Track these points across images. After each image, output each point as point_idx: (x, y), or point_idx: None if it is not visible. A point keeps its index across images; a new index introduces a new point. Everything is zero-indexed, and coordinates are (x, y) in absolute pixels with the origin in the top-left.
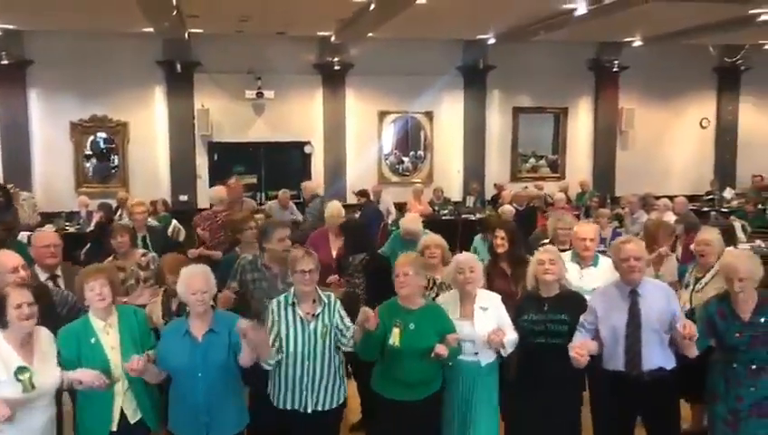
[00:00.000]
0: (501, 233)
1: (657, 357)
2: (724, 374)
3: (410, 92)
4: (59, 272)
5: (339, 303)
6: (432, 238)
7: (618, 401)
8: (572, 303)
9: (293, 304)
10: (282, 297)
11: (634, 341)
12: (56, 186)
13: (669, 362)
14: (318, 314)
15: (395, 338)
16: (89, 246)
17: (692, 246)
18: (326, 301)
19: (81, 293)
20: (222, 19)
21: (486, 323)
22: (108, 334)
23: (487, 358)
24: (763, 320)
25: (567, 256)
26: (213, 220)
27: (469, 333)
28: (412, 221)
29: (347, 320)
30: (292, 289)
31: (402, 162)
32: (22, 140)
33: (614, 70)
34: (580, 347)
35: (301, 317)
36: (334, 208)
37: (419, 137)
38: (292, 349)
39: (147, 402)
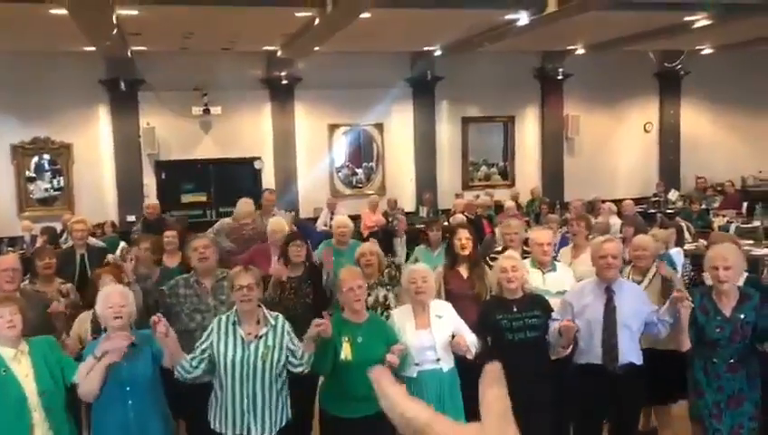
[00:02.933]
0: (465, 233)
1: (629, 353)
2: (704, 368)
3: (360, 105)
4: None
5: (287, 324)
6: (367, 246)
7: (590, 395)
8: (539, 302)
9: (234, 323)
10: (224, 316)
11: (610, 334)
12: None
13: (639, 359)
14: (261, 336)
15: (346, 352)
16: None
17: (627, 251)
18: (272, 322)
19: None
20: (165, 36)
21: (443, 331)
22: (20, 363)
23: (448, 364)
24: (743, 316)
25: (527, 262)
26: (239, 233)
27: (429, 342)
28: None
29: (296, 341)
30: (234, 308)
31: (356, 174)
32: None
33: (558, 78)
34: (568, 320)
35: (241, 337)
36: (277, 224)
37: (371, 149)
38: (230, 370)
39: (65, 431)
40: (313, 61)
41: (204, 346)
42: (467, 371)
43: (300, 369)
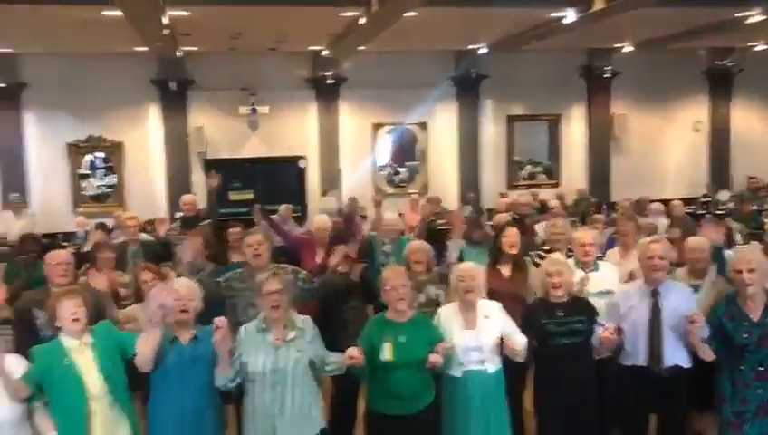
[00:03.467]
0: (513, 232)
1: (675, 355)
2: (731, 377)
3: (404, 104)
4: None
5: (316, 329)
6: (416, 244)
7: (636, 396)
8: (584, 306)
9: (262, 330)
10: (250, 324)
11: (656, 336)
12: (54, 207)
13: (686, 362)
14: (290, 340)
15: (387, 353)
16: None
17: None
18: (301, 326)
19: (54, 313)
20: (214, 36)
21: (491, 332)
22: (83, 354)
23: (494, 365)
24: None
25: (570, 261)
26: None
27: (475, 342)
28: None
29: (323, 348)
30: (261, 314)
31: (398, 173)
32: (18, 161)
33: (606, 76)
34: (611, 330)
35: (271, 342)
36: (321, 222)
37: (414, 147)
38: (260, 376)
39: (133, 416)
40: (358, 60)
41: (237, 359)
42: (509, 370)
43: (326, 374)
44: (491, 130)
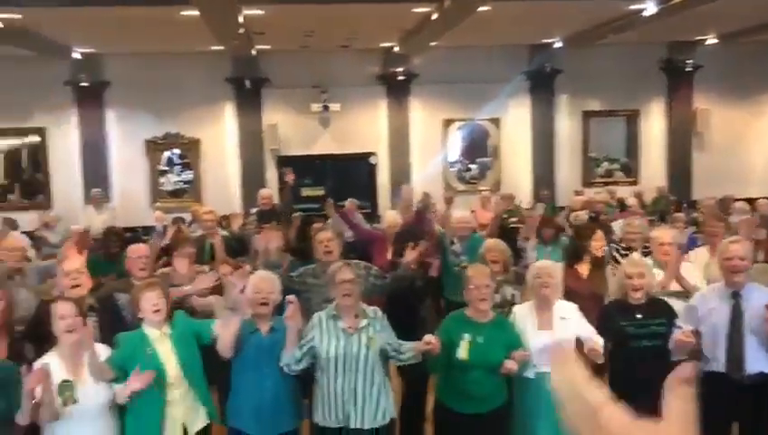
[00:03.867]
0: (601, 235)
1: (758, 361)
2: None
3: (476, 99)
4: None
5: (385, 318)
6: (493, 242)
7: (715, 404)
8: (663, 308)
9: (334, 316)
10: (322, 312)
11: (736, 342)
12: (133, 202)
13: None
14: (362, 328)
15: (463, 351)
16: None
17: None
18: (371, 315)
19: (137, 303)
20: (287, 35)
21: (567, 334)
22: (163, 344)
23: None
24: None
25: (648, 261)
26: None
27: (549, 343)
28: None
29: (394, 337)
30: (333, 303)
31: (469, 170)
32: (101, 158)
33: (687, 70)
34: (686, 333)
35: (343, 329)
36: (392, 219)
37: (486, 144)
38: (333, 362)
39: (210, 403)
40: (429, 56)
41: (307, 343)
42: None
43: (401, 363)
44: (566, 126)
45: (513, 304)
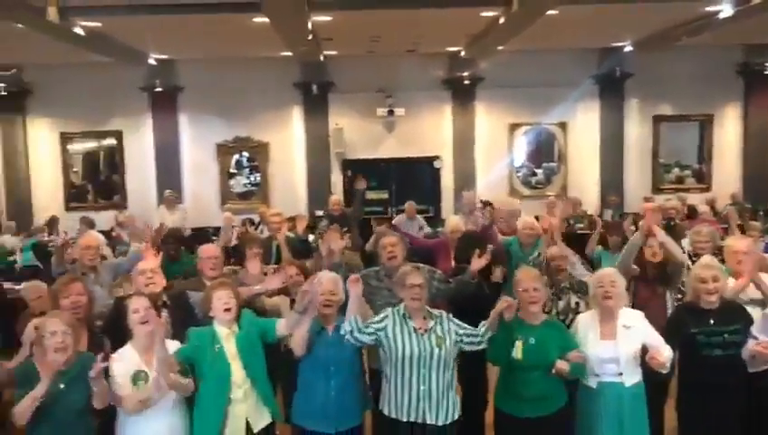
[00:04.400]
0: (656, 241)
1: None
2: None
3: (543, 103)
4: None
5: (450, 315)
6: (556, 249)
7: None
8: (738, 312)
9: (405, 316)
10: (396, 308)
11: None
12: (203, 202)
13: None
14: (430, 329)
15: (518, 351)
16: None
17: None
18: (437, 315)
19: (208, 303)
20: (354, 40)
21: (630, 343)
22: (230, 342)
23: (632, 379)
24: None
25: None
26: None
27: (611, 353)
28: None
29: (464, 325)
30: (402, 304)
31: (535, 175)
32: (174, 160)
33: (766, 73)
34: (765, 344)
35: (414, 328)
36: (455, 225)
37: (552, 148)
38: (407, 360)
39: (272, 402)
40: (496, 60)
41: (378, 325)
42: (651, 383)
43: (480, 346)
44: (635, 131)
45: (577, 312)
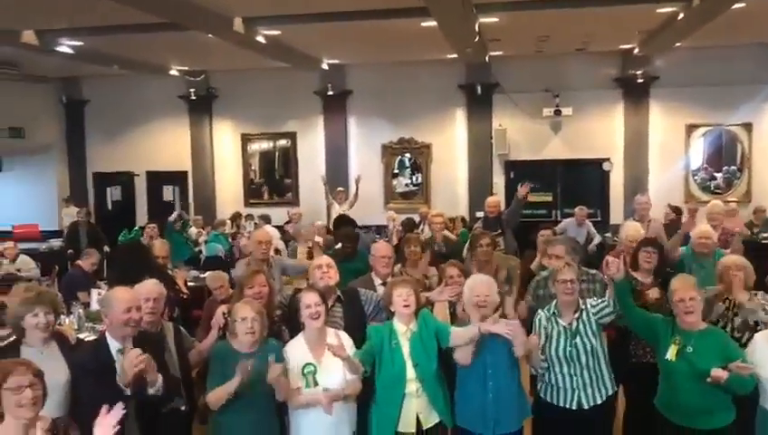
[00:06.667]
0: None
1: None
2: None
3: (723, 103)
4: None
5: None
6: (732, 259)
7: None
8: None
9: (555, 314)
10: (545, 309)
11: None
12: (368, 201)
13: None
14: (577, 319)
15: (671, 353)
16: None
17: None
18: (583, 307)
19: (389, 297)
20: (521, 40)
21: None
22: (407, 339)
23: None
24: None
25: None
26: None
27: None
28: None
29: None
30: (554, 301)
31: (714, 179)
32: (342, 160)
33: None
34: None
35: (564, 326)
36: (633, 231)
37: (735, 151)
38: (561, 354)
39: (441, 403)
40: (672, 57)
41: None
42: None
43: (613, 315)
44: None
45: (756, 330)
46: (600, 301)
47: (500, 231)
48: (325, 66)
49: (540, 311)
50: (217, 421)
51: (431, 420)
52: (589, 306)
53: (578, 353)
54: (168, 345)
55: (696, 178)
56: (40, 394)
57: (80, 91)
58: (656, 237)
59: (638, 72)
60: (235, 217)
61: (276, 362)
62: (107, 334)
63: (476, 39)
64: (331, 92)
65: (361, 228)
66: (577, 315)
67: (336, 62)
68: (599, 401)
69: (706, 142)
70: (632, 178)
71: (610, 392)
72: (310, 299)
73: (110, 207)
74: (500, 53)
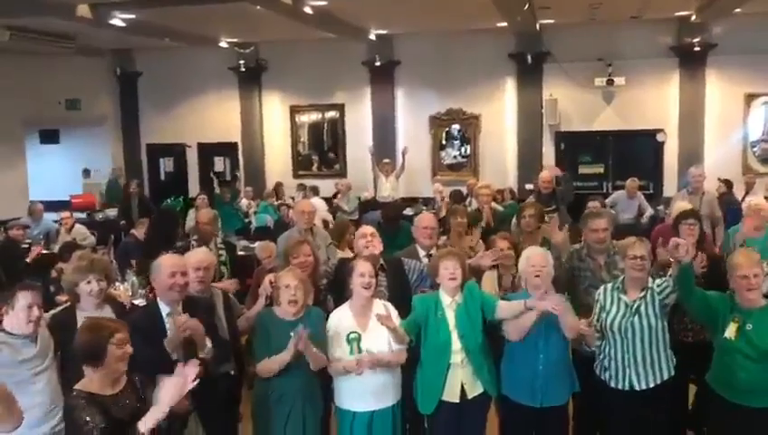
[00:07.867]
0: None
1: None
2: None
3: None
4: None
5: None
6: None
7: None
8: None
9: (618, 288)
10: (609, 284)
11: None
12: (415, 173)
13: None
14: (641, 298)
15: (731, 332)
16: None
17: None
18: (650, 286)
19: (435, 269)
20: (573, 8)
21: None
22: (452, 311)
23: None
24: None
25: None
26: None
27: None
28: None
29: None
30: (621, 276)
31: None
32: (390, 132)
33: None
34: None
35: (625, 302)
36: (682, 207)
37: None
38: (616, 331)
39: (485, 373)
40: (731, 24)
41: (596, 318)
42: None
43: (674, 294)
44: None
45: None
46: (663, 280)
47: (554, 207)
48: (372, 37)
49: (605, 285)
50: (263, 386)
51: (476, 389)
52: (655, 286)
53: (633, 331)
54: (218, 312)
55: (755, 149)
56: (131, 351)
57: (133, 63)
58: (695, 209)
59: (695, 40)
60: (277, 187)
61: (309, 333)
62: (158, 299)
63: (526, 6)
64: (378, 63)
65: (408, 200)
66: (642, 294)
67: (383, 32)
68: (651, 384)
69: (767, 112)
70: (687, 150)
71: (666, 377)
72: (365, 268)
73: (162, 177)
74: (551, 21)
